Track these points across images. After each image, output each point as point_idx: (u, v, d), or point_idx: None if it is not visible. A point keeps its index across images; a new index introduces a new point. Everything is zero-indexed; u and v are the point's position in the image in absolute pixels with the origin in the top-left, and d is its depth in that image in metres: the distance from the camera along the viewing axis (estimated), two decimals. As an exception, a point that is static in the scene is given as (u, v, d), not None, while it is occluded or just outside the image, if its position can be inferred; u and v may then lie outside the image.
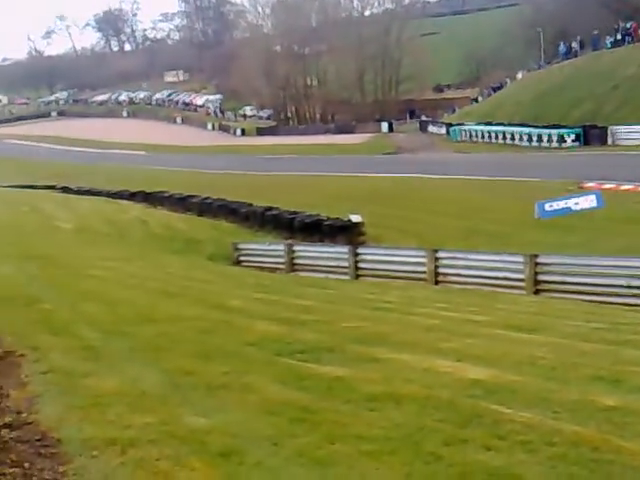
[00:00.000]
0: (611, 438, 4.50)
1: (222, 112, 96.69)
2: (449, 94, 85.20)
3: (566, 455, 4.29)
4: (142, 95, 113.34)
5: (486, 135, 49.70)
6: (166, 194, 32.47)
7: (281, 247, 19.45)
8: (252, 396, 5.60)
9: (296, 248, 19.12)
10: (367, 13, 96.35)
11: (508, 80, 63.21)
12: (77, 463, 4.34)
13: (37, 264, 14.31)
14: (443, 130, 58.39)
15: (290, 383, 5.94)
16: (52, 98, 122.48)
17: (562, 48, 55.76)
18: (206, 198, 29.55)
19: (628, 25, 49.40)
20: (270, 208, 25.42)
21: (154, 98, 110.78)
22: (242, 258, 20.33)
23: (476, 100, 67.59)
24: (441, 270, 15.09)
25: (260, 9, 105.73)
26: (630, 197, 24.46)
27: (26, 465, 4.28)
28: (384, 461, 4.30)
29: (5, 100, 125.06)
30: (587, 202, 22.96)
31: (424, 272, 15.24)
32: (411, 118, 69.81)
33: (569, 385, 5.66)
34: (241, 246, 20.85)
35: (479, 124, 52.32)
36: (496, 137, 48.41)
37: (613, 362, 6.37)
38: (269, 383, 5.94)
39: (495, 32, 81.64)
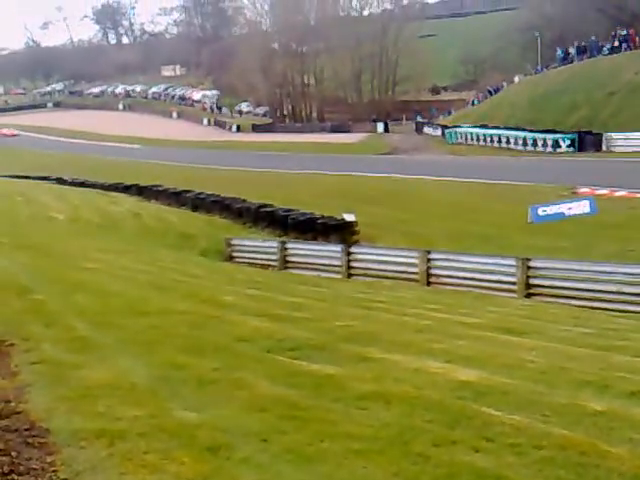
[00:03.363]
0: (598, 443, 4.52)
1: (218, 108, 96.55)
2: (446, 96, 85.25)
3: (554, 459, 4.31)
4: (138, 89, 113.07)
5: (481, 138, 49.80)
6: (160, 188, 32.43)
7: (274, 244, 19.44)
8: (242, 392, 5.60)
9: (289, 245, 19.12)
10: (366, 13, 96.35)
11: (505, 84, 63.31)
12: (65, 453, 4.34)
13: (30, 254, 14.29)
14: (439, 132, 58.51)
15: (280, 380, 5.94)
16: (48, 89, 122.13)
17: (559, 53, 55.88)
18: (200, 193, 29.52)
19: (625, 32, 49.57)
20: (264, 205, 25.41)
21: (150, 92, 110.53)
22: (235, 254, 20.30)
23: (472, 103, 67.68)
24: (433, 271, 15.12)
25: (259, 6, 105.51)
26: (623, 203, 24.53)
27: (13, 454, 4.27)
28: (372, 460, 4.31)
29: (1, 90, 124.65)
30: (580, 208, 23.03)
31: (416, 273, 15.27)
32: (415, 118, 69.72)
33: (558, 389, 5.68)
34: (234, 242, 20.82)
35: (475, 127, 52.43)
36: (491, 140, 48.52)
37: (602, 367, 6.40)
38: (259, 379, 5.95)
39: (493, 35, 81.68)
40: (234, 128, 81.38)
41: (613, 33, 50.68)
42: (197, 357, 6.67)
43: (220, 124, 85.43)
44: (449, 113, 68.29)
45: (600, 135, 40.50)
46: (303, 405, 5.29)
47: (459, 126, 54.99)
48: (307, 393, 5.61)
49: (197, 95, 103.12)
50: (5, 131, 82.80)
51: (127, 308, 9.11)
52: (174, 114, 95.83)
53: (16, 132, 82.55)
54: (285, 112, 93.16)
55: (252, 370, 6.23)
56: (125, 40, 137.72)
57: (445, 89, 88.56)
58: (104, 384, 5.67)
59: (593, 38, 52.17)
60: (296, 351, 6.95)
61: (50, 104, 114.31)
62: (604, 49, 49.92)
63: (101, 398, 5.33)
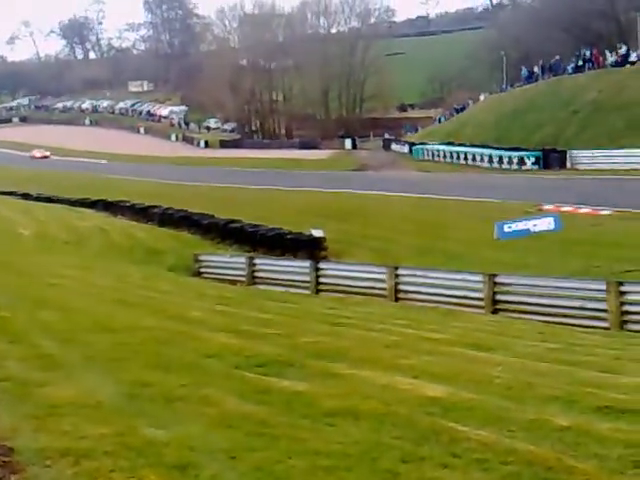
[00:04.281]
0: (564, 458, 4.56)
1: (186, 123, 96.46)
2: (413, 113, 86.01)
3: (520, 474, 4.33)
4: (105, 104, 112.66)
5: (448, 155, 50.27)
6: (127, 203, 32.22)
7: (242, 260, 19.39)
8: (210, 409, 5.57)
9: (257, 261, 19.08)
10: (333, 31, 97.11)
11: (471, 102, 64.04)
12: (30, 472, 4.27)
13: (-7, 270, 14.09)
14: (406, 149, 58.92)
15: (249, 397, 5.92)
16: (14, 104, 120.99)
17: (524, 72, 56.67)
18: (168, 209, 29.37)
19: (589, 52, 50.46)
20: (232, 221, 25.35)
21: (117, 107, 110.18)
22: (203, 270, 20.22)
23: (439, 120, 68.34)
24: (401, 287, 15.17)
25: (227, 23, 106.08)
26: (587, 220, 24.86)
27: (-23, 473, 4.20)
28: (341, 477, 4.30)
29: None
30: (545, 224, 23.29)
31: (384, 289, 15.31)
32: (383, 135, 70.06)
33: (525, 404, 5.71)
34: (202, 258, 20.74)
35: (442, 144, 52.93)
36: (458, 157, 48.99)
37: (568, 382, 6.46)
38: (228, 396, 5.91)
39: (459, 54, 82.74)
40: (202, 144, 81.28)
41: (577, 53, 51.56)
42: (164, 374, 6.62)
43: (188, 140, 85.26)
44: (416, 130, 68.87)
45: (564, 153, 41.12)
46: (272, 422, 5.27)
47: (426, 143, 55.48)
48: (276, 410, 5.59)
49: (165, 111, 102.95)
50: (36, 153, 75.02)
51: (93, 324, 9.02)
52: (141, 129, 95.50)
53: (47, 153, 74.86)
54: (253, 128, 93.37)
55: (220, 386, 6.20)
56: (92, 55, 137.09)
57: (412, 107, 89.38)
58: (70, 402, 5.59)
59: (558, 58, 53.01)
60: (265, 367, 6.94)
61: (16, 119, 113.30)
62: (568, 68, 50.73)
63: (67, 416, 5.25)
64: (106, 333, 8.47)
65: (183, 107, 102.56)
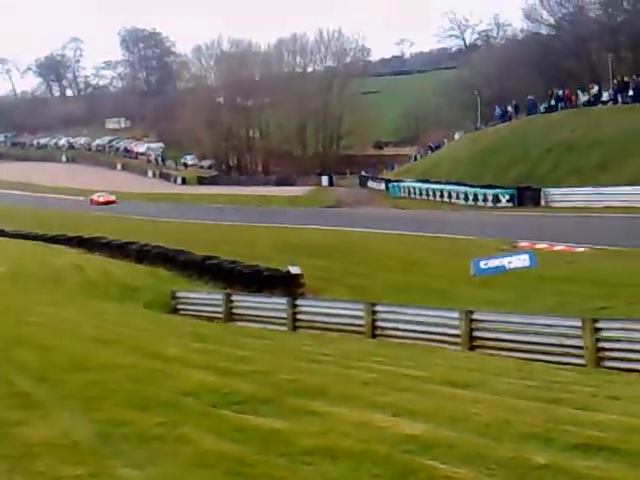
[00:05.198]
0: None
1: (163, 160, 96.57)
2: (389, 151, 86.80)
3: (500, 511, 4.33)
4: (82, 141, 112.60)
5: (424, 192, 50.67)
6: (103, 240, 32.08)
7: (219, 296, 19.33)
8: (187, 448, 5.52)
9: (234, 298, 19.02)
10: (310, 69, 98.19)
11: (445, 140, 64.80)
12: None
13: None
14: (382, 186, 59.33)
15: (226, 435, 5.88)
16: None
17: (498, 111, 57.54)
18: (144, 245, 29.27)
19: (561, 91, 51.38)
20: (209, 257, 25.29)
21: (94, 144, 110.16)
22: (180, 306, 20.12)
23: (415, 158, 69.02)
24: (379, 324, 15.17)
25: (204, 61, 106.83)
26: (562, 257, 25.08)
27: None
28: (320, 515, 4.28)
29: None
30: (520, 261, 23.44)
31: (362, 325, 15.30)
32: (360, 172, 70.56)
33: (503, 442, 5.70)
34: (179, 294, 20.66)
35: (417, 181, 53.39)
36: (434, 195, 49.39)
37: (545, 420, 6.45)
38: (205, 434, 5.87)
39: (434, 93, 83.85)
40: (179, 180, 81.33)
41: (550, 92, 52.48)
42: (141, 412, 6.56)
43: (165, 176, 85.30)
44: (392, 168, 69.43)
45: (539, 190, 41.59)
46: (249, 461, 5.23)
47: (402, 181, 55.92)
48: (253, 448, 5.55)
49: (142, 148, 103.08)
50: (97, 198, 64.28)
51: (69, 363, 8.94)
52: (118, 166, 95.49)
53: (112, 198, 64.05)
54: (231, 165, 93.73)
55: (197, 425, 6.15)
56: (69, 92, 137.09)
57: (388, 144, 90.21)
58: (45, 442, 5.53)
59: (530, 97, 53.90)
60: (242, 405, 6.89)
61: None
62: (541, 108, 51.57)
63: (42, 456, 5.20)
64: (82, 371, 8.39)
65: (160, 144, 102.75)
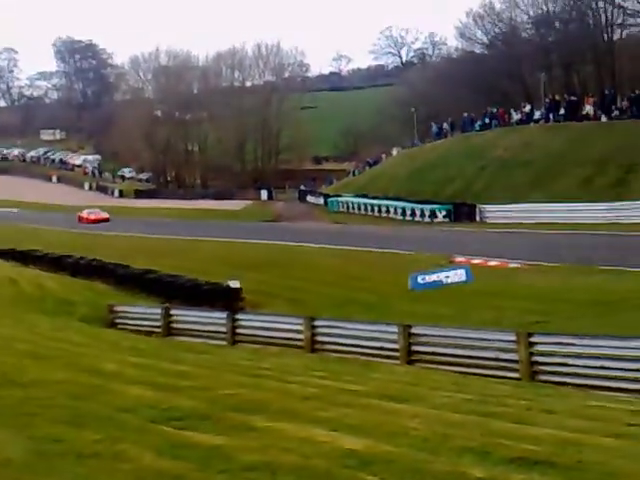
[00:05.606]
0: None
1: (100, 173, 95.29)
2: (327, 166, 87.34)
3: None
4: (16, 152, 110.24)
5: (362, 207, 51.13)
6: (39, 253, 31.38)
7: (158, 310, 19.10)
8: (125, 465, 5.45)
9: (173, 312, 18.82)
10: (248, 84, 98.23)
11: (383, 156, 65.53)
12: None
13: None
14: (321, 200, 59.65)
15: (165, 452, 5.81)
16: None
17: (434, 128, 58.50)
18: (81, 258, 28.73)
19: (495, 109, 52.53)
20: (148, 271, 24.99)
21: (29, 155, 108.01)
22: (118, 321, 19.81)
23: (353, 173, 69.56)
24: (318, 338, 15.19)
25: (141, 73, 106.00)
26: (496, 272, 25.56)
27: None
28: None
29: None
30: (457, 276, 23.83)
31: (301, 340, 15.30)
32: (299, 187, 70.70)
33: (440, 456, 5.75)
34: (117, 308, 20.34)
35: (356, 196, 53.83)
36: (372, 210, 49.86)
37: (482, 434, 6.53)
38: (143, 451, 5.80)
39: (372, 109, 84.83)
40: (116, 193, 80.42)
41: (484, 111, 53.60)
42: (77, 429, 6.45)
43: (102, 189, 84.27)
44: (331, 182, 69.85)
45: (474, 206, 42.37)
46: (189, 477, 5.20)
47: (341, 195, 56.31)
48: (193, 465, 5.51)
49: (78, 159, 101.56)
50: (88, 215, 56.15)
51: (2, 378, 8.73)
52: (54, 178, 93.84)
53: (104, 215, 56.10)
54: (169, 178, 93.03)
55: (135, 442, 6.07)
56: (2, 103, 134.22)
57: (327, 159, 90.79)
58: (-24, 460, 5.39)
59: (466, 115, 54.98)
60: (181, 421, 6.83)
61: None
62: (476, 125, 52.60)
63: (-27, 475, 5.06)
64: (15, 387, 8.21)
65: (97, 156, 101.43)
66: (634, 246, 28.56)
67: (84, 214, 56.31)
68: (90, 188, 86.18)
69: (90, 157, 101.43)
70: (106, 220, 54.27)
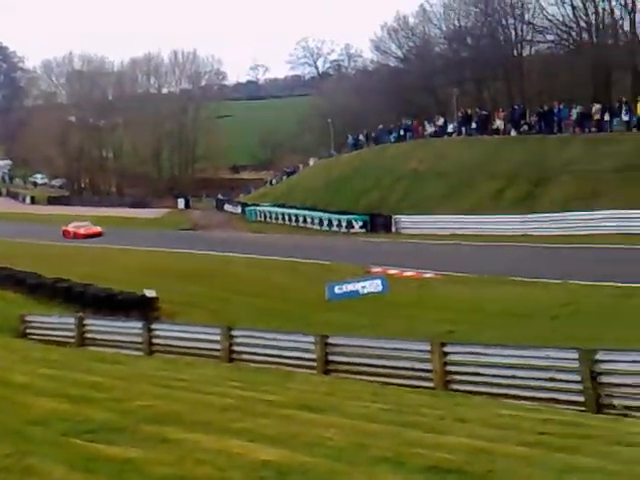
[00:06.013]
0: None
1: (11, 179, 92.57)
2: (245, 175, 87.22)
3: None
4: None
5: (280, 217, 51.21)
6: (-58, 262, 30.21)
7: (71, 320, 18.67)
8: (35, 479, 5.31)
9: (87, 322, 18.42)
10: (165, 91, 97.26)
11: (301, 165, 65.84)
12: None
13: None
14: (239, 209, 59.50)
15: (78, 465, 5.68)
16: None
17: (350, 140, 59.11)
18: (-12, 267, 27.80)
19: (410, 122, 53.46)
20: (60, 280, 24.42)
21: None
22: (30, 331, 19.28)
23: (271, 182, 69.62)
24: (235, 348, 15.11)
25: (54, 78, 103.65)
26: (411, 282, 25.96)
27: None
28: None
29: None
30: (373, 286, 24.13)
31: (218, 350, 15.21)
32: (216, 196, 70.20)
33: (357, 466, 5.77)
34: (28, 318, 19.79)
35: (274, 206, 53.90)
36: (289, 219, 49.99)
37: (397, 443, 6.59)
38: (54, 465, 5.66)
39: (289, 119, 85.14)
40: (28, 200, 78.35)
41: (399, 123, 54.51)
42: (-16, 443, 6.25)
43: (13, 195, 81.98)
44: (249, 191, 69.74)
45: (390, 217, 42.94)
46: (102, 492, 5.10)
47: (258, 205, 56.28)
48: (106, 478, 5.41)
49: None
50: (77, 229, 48.22)
51: None
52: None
53: (97, 228, 48.67)
54: (83, 185, 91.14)
55: (46, 455, 5.92)
56: None
57: (245, 168, 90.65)
58: None
59: (381, 127, 55.76)
60: (94, 434, 6.69)
61: None
62: (391, 137, 53.39)
63: None
64: None
65: (8, 161, 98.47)
66: (543, 258, 29.45)
67: (71, 228, 48.47)
68: (0, 194, 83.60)
69: (0, 162, 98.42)
70: (99, 234, 47.27)
